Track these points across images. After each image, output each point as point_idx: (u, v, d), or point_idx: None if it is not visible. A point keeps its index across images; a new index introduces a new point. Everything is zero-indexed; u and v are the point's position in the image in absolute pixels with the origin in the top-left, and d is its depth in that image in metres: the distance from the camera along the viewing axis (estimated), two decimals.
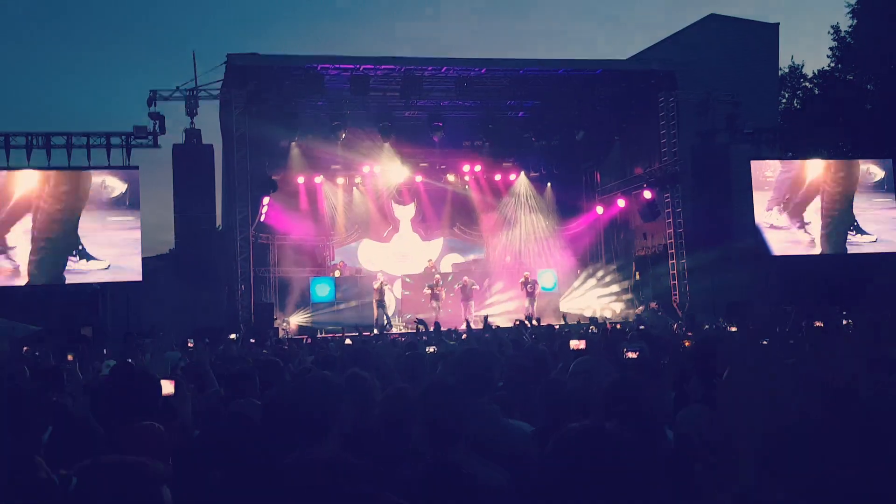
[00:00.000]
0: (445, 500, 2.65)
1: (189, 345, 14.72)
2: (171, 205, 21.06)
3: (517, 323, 14.26)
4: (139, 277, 20.90)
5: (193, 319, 19.52)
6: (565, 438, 2.13)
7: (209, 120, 23.03)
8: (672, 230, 22.75)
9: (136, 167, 21.42)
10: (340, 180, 24.79)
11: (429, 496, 2.67)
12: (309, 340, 16.16)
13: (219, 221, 22.95)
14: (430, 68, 21.40)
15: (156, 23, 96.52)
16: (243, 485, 3.18)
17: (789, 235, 23.86)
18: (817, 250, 23.99)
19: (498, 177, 26.10)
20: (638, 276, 24.22)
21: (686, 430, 3.79)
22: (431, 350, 8.36)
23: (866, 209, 24.38)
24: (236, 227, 20.80)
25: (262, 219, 22.10)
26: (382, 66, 21.08)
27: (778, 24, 31.90)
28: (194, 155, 21.04)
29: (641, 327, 16.22)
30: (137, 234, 21.04)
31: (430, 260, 24.64)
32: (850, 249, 24.14)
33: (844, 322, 12.00)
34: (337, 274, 23.83)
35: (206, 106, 21.54)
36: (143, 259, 21.47)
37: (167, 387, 4.46)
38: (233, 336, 16.83)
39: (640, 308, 22.68)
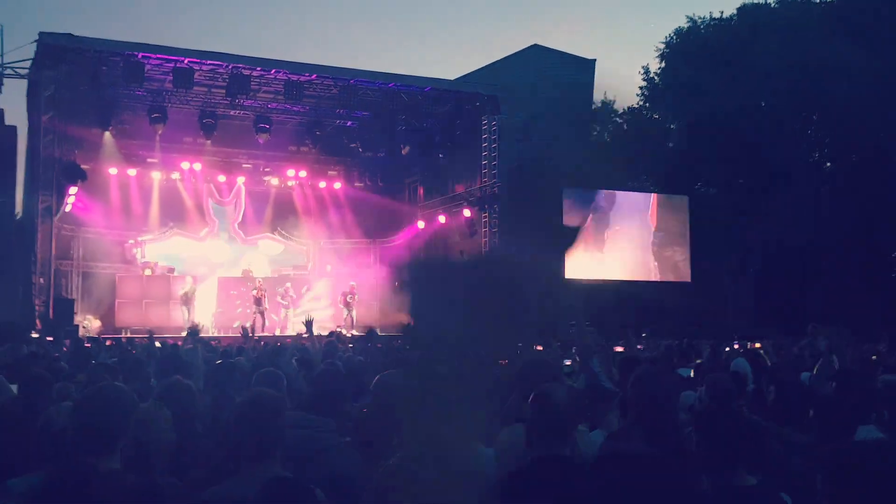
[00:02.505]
0: None
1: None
2: None
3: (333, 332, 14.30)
4: None
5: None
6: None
7: (14, 100, 21.70)
8: (487, 249, 23.50)
9: None
10: (156, 175, 23.90)
11: None
12: (109, 342, 15.42)
13: (18, 208, 21.52)
14: (258, 69, 21.16)
15: None
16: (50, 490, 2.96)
17: (593, 260, 25.38)
18: (617, 277, 25.69)
19: (323, 184, 26.18)
20: None
21: (509, 448, 3.74)
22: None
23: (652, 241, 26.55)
24: (38, 216, 19.57)
25: (67, 209, 20.93)
26: (208, 62, 20.59)
27: (594, 60, 34.00)
28: None
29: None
30: None
31: (248, 270, 24.17)
32: (647, 277, 26.04)
33: (640, 346, 12.98)
34: (147, 273, 22.96)
35: (12, 85, 20.29)
36: None
37: None
38: (34, 335, 15.80)
39: None
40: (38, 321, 18.51)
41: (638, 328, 17.59)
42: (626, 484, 2.78)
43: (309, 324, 14.06)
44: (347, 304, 23.37)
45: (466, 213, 23.88)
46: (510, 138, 24.00)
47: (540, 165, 24.81)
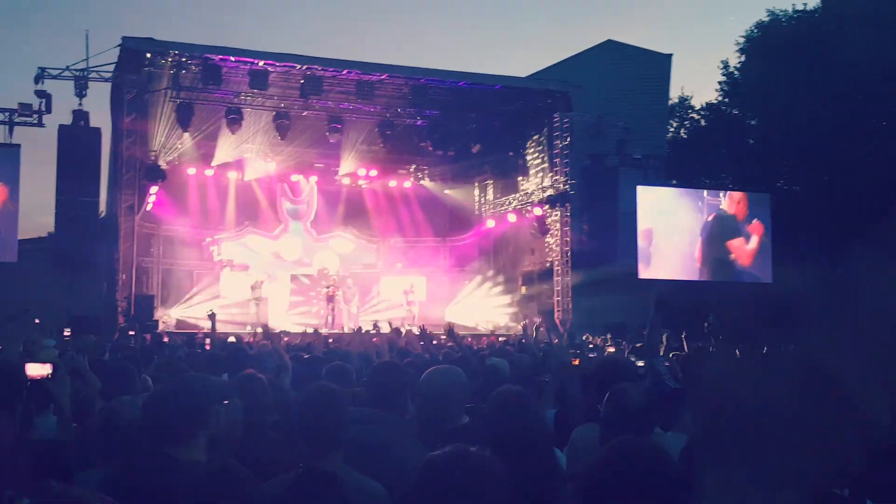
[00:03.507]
0: None
1: (65, 334, 14.35)
2: (52, 187, 20.42)
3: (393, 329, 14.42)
4: (14, 258, 20.13)
5: (70, 307, 18.96)
6: (430, 464, 2.09)
7: (99, 103, 22.46)
8: (559, 248, 23.47)
9: (18, 145, 20.67)
10: (233, 174, 24.52)
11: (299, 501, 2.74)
12: (185, 338, 15.78)
13: (102, 208, 22.31)
14: (331, 69, 21.47)
15: None
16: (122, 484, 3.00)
17: (668, 259, 24.98)
18: (694, 276, 25.24)
19: (393, 182, 26.44)
20: (524, 291, 24.90)
21: (582, 448, 3.74)
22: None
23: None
24: (120, 215, 20.29)
25: (148, 208, 21.65)
26: (283, 63, 21.00)
27: (671, 55, 33.50)
28: (81, 137, 20.52)
29: (523, 341, 16.79)
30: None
31: (324, 268, 24.61)
32: (725, 277, 25.48)
33: (711, 348, 12.77)
34: (225, 270, 23.60)
35: (96, 88, 21.06)
36: (19, 241, 20.68)
37: (41, 369, 4.13)
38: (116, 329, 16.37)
39: (524, 322, 23.33)
40: (120, 316, 19.20)
41: (713, 329, 17.26)
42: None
43: (375, 324, 14.44)
44: (409, 303, 23.71)
45: (537, 211, 23.79)
46: (583, 136, 23.83)
47: (613, 163, 24.60)
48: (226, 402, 3.48)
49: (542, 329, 21.88)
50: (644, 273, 24.00)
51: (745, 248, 25.45)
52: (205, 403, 3.10)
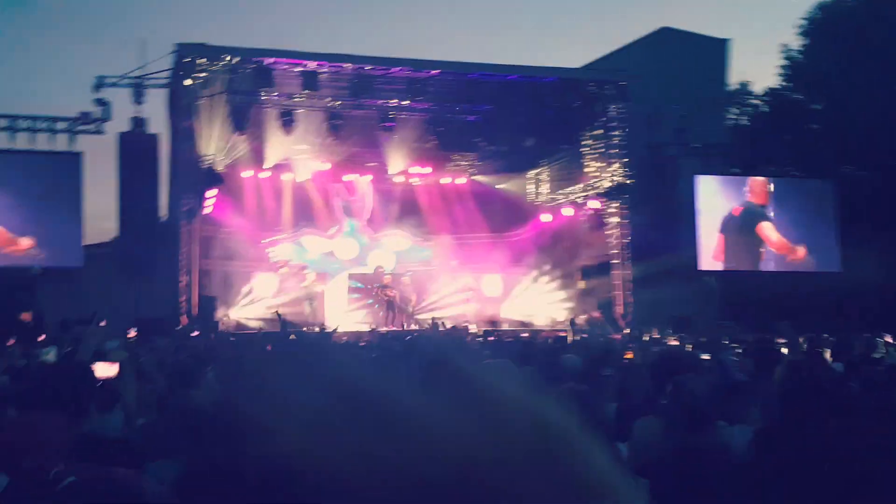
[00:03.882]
0: None
1: (130, 334, 14.70)
2: (113, 193, 20.93)
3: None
4: (80, 263, 20.67)
5: (135, 309, 19.39)
6: None
7: (156, 109, 22.94)
8: (617, 241, 23.20)
9: (80, 153, 21.20)
10: (287, 175, 24.78)
11: None
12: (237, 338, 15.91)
13: (163, 212, 22.78)
14: (381, 67, 21.56)
15: (105, 9, 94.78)
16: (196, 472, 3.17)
17: (729, 249, 24.47)
18: (757, 267, 24.70)
19: (446, 179, 26.41)
20: (582, 285, 24.64)
21: (643, 441, 3.75)
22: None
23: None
24: (180, 219, 20.71)
25: (206, 211, 22.01)
26: (333, 63, 21.15)
27: (729, 40, 32.81)
28: (140, 143, 21.02)
29: (584, 335, 16.61)
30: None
31: (380, 266, 24.71)
32: (791, 267, 24.90)
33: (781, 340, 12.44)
34: (285, 271, 23.86)
35: (153, 95, 21.50)
36: (84, 246, 21.26)
37: (110, 369, 4.33)
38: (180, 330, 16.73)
39: (584, 317, 23.11)
40: (183, 317, 19.58)
41: (780, 320, 16.83)
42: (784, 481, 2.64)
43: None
44: (465, 300, 23.72)
45: (594, 204, 23.48)
46: (640, 126, 23.47)
47: (672, 152, 24.19)
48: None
49: (601, 324, 21.74)
50: (705, 264, 23.58)
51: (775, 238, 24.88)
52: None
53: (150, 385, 5.62)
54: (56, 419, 3.40)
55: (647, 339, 15.13)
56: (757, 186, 24.83)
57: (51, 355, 9.14)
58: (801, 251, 24.92)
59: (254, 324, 21.73)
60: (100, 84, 20.68)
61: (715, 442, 3.23)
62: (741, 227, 24.50)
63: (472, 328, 19.84)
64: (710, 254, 23.80)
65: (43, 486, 2.85)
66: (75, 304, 19.76)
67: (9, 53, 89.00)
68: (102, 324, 15.84)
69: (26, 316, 18.01)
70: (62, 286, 20.91)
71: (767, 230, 24.64)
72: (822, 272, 24.49)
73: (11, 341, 9.15)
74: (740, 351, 9.50)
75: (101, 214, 29.21)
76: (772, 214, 24.88)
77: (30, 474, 2.76)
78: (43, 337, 12.79)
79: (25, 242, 20.39)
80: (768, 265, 24.75)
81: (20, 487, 2.68)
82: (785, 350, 7.16)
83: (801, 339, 12.11)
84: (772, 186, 25.01)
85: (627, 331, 18.54)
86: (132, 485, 2.15)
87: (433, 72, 21.84)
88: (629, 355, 9.11)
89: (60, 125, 21.06)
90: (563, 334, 17.11)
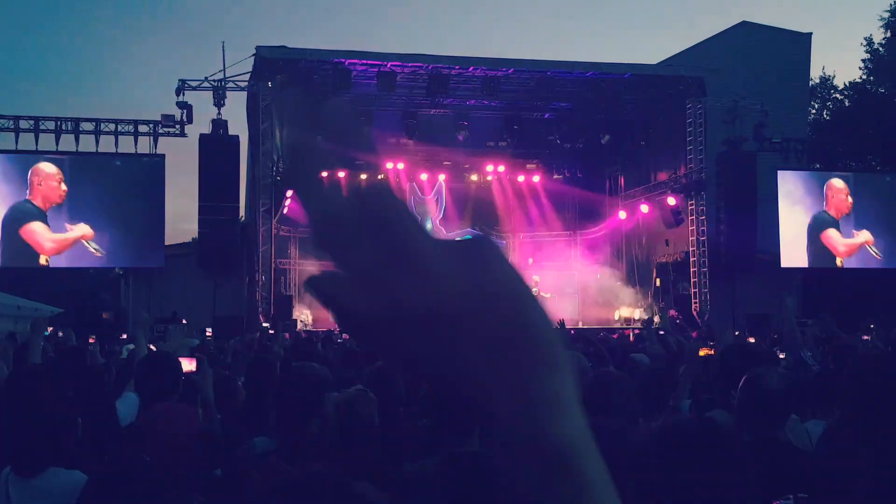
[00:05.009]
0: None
1: (207, 333, 15.11)
2: (194, 194, 21.43)
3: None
4: (162, 263, 21.30)
5: (213, 308, 19.91)
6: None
7: (236, 111, 23.48)
8: (695, 238, 22.88)
9: (163, 155, 21.85)
10: (364, 176, 25.06)
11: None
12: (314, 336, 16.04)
13: (242, 212, 23.27)
14: (457, 67, 21.67)
15: (186, 14, 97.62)
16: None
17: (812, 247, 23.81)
18: (838, 264, 23.99)
19: (521, 177, 26.35)
20: (658, 283, 24.35)
21: None
22: None
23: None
24: (259, 219, 21.12)
25: (284, 211, 22.40)
26: (410, 64, 21.35)
27: (810, 33, 31.89)
28: (220, 145, 21.38)
29: (661, 333, 16.41)
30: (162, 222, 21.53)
31: None
32: (876, 264, 24.13)
33: (865, 337, 12.10)
34: None
35: (233, 97, 21.97)
36: (165, 247, 21.89)
37: (188, 364, 4.54)
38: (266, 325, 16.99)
39: (659, 315, 22.82)
40: (261, 316, 20.02)
41: (864, 318, 16.35)
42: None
43: None
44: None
45: (671, 200, 23.15)
46: (718, 121, 23.08)
47: (751, 148, 23.65)
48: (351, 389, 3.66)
49: (678, 322, 21.42)
50: (786, 262, 23.02)
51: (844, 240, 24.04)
52: (314, 393, 3.34)
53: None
54: (186, 410, 3.65)
55: (724, 337, 14.86)
56: (835, 194, 24.06)
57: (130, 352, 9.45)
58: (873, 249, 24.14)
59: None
60: (182, 87, 21.23)
61: (785, 436, 3.22)
62: (812, 231, 23.86)
63: None
64: (792, 250, 23.16)
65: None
66: (157, 303, 20.54)
67: (96, 58, 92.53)
68: (184, 322, 16.43)
69: (108, 315, 18.68)
70: (144, 286, 21.63)
71: (832, 239, 23.87)
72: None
73: (92, 339, 9.51)
74: (819, 348, 9.31)
75: (182, 215, 30.13)
76: (843, 219, 24.11)
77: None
78: (125, 336, 13.24)
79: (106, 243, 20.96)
80: (849, 262, 24.00)
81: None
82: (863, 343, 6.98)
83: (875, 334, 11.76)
84: (850, 199, 24.14)
85: (704, 329, 18.22)
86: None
87: (509, 70, 21.84)
88: (705, 351, 9.00)
89: (143, 128, 21.71)
90: (638, 332, 16.95)
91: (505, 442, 0.61)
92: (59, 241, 20.60)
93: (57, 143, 21.33)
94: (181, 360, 4.49)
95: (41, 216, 20.64)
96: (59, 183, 20.84)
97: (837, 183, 24.24)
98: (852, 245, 24.00)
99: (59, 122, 21.40)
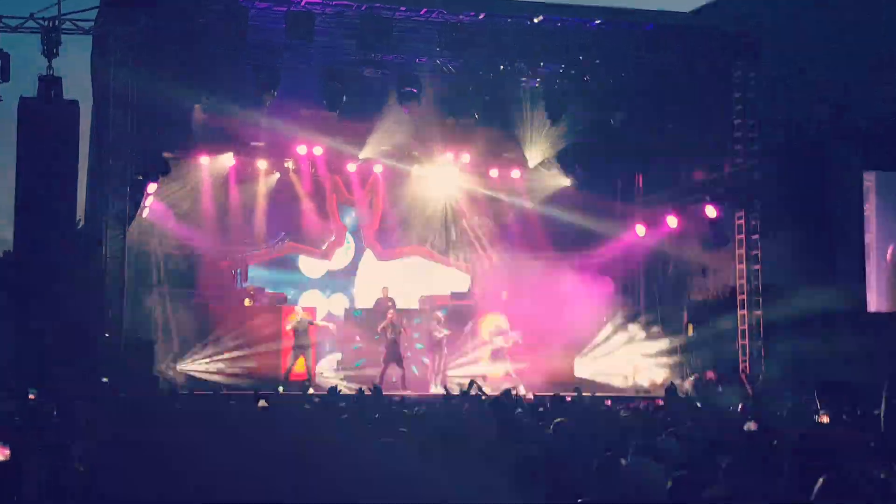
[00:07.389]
0: None
1: (30, 397, 14.75)
2: (10, 185, 20.91)
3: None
4: None
5: (33, 351, 19.34)
6: None
7: (76, 66, 22.94)
8: (745, 266, 22.85)
9: None
10: (263, 164, 24.79)
11: None
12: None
13: (80, 214, 22.72)
14: (402, 8, 21.40)
15: None
16: None
17: None
18: None
19: (494, 172, 26.29)
20: (692, 332, 24.26)
21: None
22: None
23: None
24: (106, 225, 20.63)
25: (144, 214, 21.97)
26: (333, 2, 21.01)
27: None
28: (50, 114, 21.11)
29: (698, 405, 16.29)
30: None
31: (384, 287, 24.53)
32: None
33: None
34: (247, 303, 23.68)
35: (72, 45, 21.47)
36: None
37: None
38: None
39: (692, 379, 22.67)
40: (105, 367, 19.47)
41: None
42: None
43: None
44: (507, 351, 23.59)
45: (710, 211, 23.11)
46: (775, 97, 23.21)
47: (824, 138, 23.73)
48: None
49: (720, 389, 21.27)
50: (877, 304, 23.03)
51: None
52: None
53: None
54: None
55: (786, 412, 14.80)
56: None
57: None
58: None
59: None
60: None
61: None
62: None
63: (525, 393, 19.49)
64: (885, 286, 23.19)
65: None
66: None
67: None
68: None
69: None
70: None
71: None
72: None
73: None
74: None
75: None
76: None
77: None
78: None
79: None
80: None
81: None
82: None
83: None
84: None
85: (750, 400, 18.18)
86: None
87: (479, 16, 21.54)
88: (753, 426, 9.18)
89: None
90: (659, 403, 16.85)
91: None
92: None
93: None
94: None
95: None
96: None
97: None
98: None
99: None
